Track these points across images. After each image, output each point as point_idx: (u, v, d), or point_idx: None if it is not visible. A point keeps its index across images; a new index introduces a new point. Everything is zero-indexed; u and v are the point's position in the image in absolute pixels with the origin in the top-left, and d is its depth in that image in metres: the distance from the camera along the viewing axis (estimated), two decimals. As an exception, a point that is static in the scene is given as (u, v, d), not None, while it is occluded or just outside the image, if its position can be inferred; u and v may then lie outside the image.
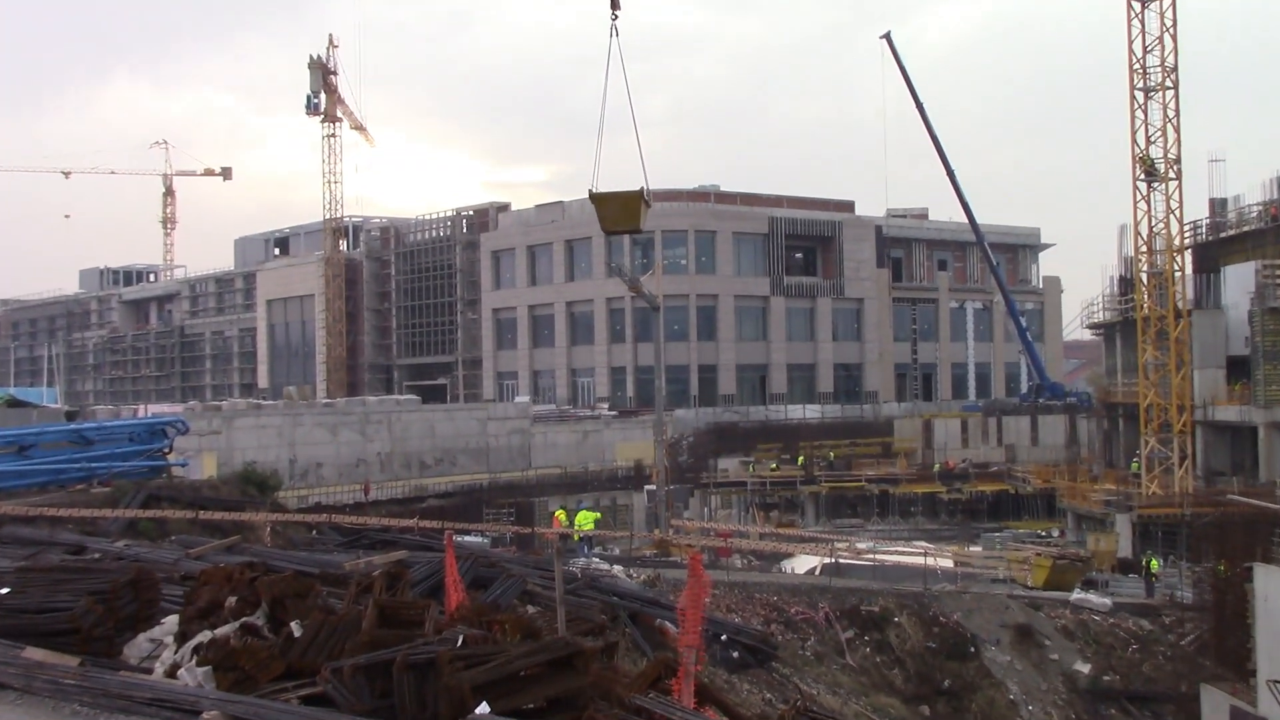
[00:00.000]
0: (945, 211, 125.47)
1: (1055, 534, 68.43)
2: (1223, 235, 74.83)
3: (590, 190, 31.27)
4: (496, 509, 70.84)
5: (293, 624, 13.73)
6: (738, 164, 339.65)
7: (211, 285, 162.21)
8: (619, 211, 31.33)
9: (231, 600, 14.98)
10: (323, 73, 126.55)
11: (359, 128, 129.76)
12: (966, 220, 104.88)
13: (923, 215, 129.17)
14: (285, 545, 34.25)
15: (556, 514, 51.56)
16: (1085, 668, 39.81)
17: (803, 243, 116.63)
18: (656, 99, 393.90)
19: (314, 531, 40.05)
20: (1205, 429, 68.93)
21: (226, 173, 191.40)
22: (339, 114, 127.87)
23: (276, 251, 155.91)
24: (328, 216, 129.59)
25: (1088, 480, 73.58)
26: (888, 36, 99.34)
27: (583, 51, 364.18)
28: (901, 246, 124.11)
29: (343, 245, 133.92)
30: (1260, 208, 71.82)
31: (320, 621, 13.32)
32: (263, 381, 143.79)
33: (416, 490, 72.89)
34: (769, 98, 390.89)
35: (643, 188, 31.45)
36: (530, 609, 23.73)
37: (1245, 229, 72.98)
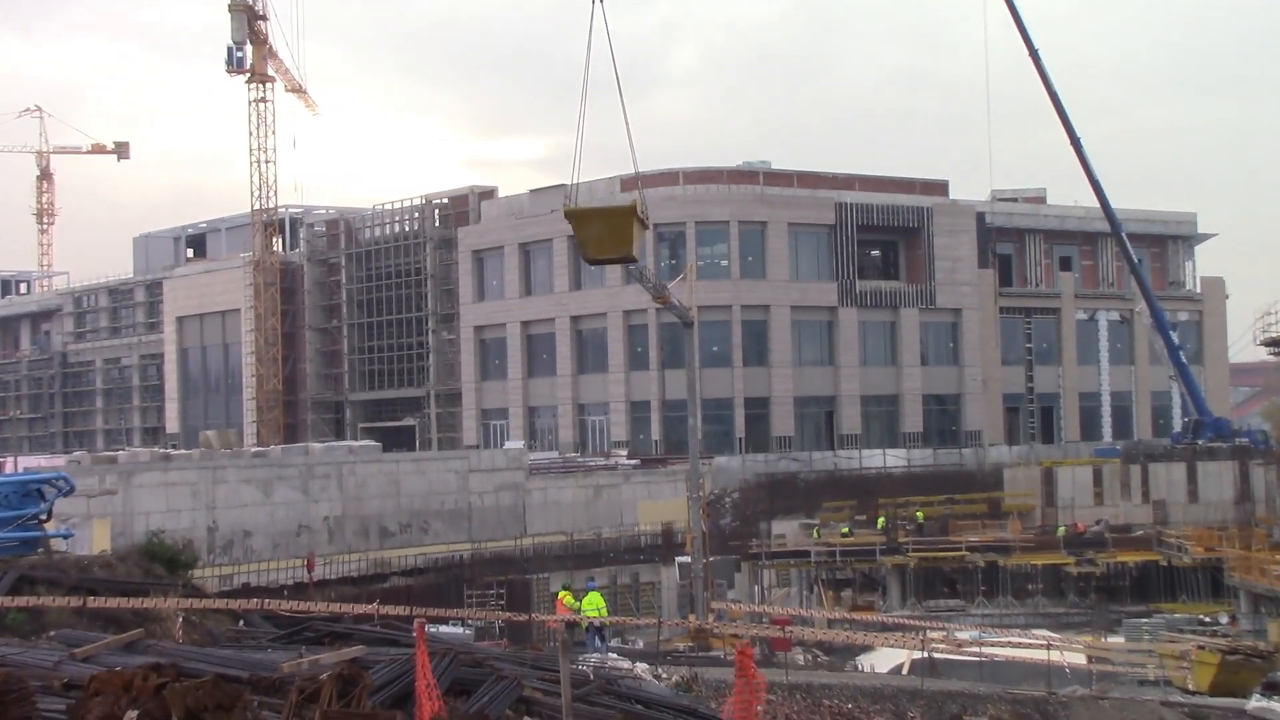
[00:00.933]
0: (1069, 193, 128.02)
1: (1224, 620, 67.13)
2: None
3: (565, 204, 32.38)
4: (482, 589, 71.45)
5: (214, 745, 13.66)
6: (795, 133, 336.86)
7: (103, 298, 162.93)
8: (605, 234, 32.24)
9: (132, 715, 14.88)
10: (248, 17, 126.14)
11: (297, 89, 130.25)
12: (1098, 204, 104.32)
13: (1039, 198, 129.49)
14: (203, 641, 33.64)
15: (560, 595, 50.90)
16: (1270, 800, 39.60)
17: (881, 236, 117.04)
18: (686, 50, 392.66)
19: (241, 622, 39.31)
20: None
21: (122, 149, 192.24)
22: (270, 71, 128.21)
23: (190, 253, 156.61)
24: (257, 207, 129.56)
25: (1266, 548, 72.28)
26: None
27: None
28: (1011, 239, 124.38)
29: (277, 244, 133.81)
30: None
31: (250, 742, 13.24)
32: (172, 424, 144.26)
33: (377, 566, 73.63)
34: (835, 47, 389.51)
35: (635, 202, 32.09)
36: (528, 722, 23.65)
37: None
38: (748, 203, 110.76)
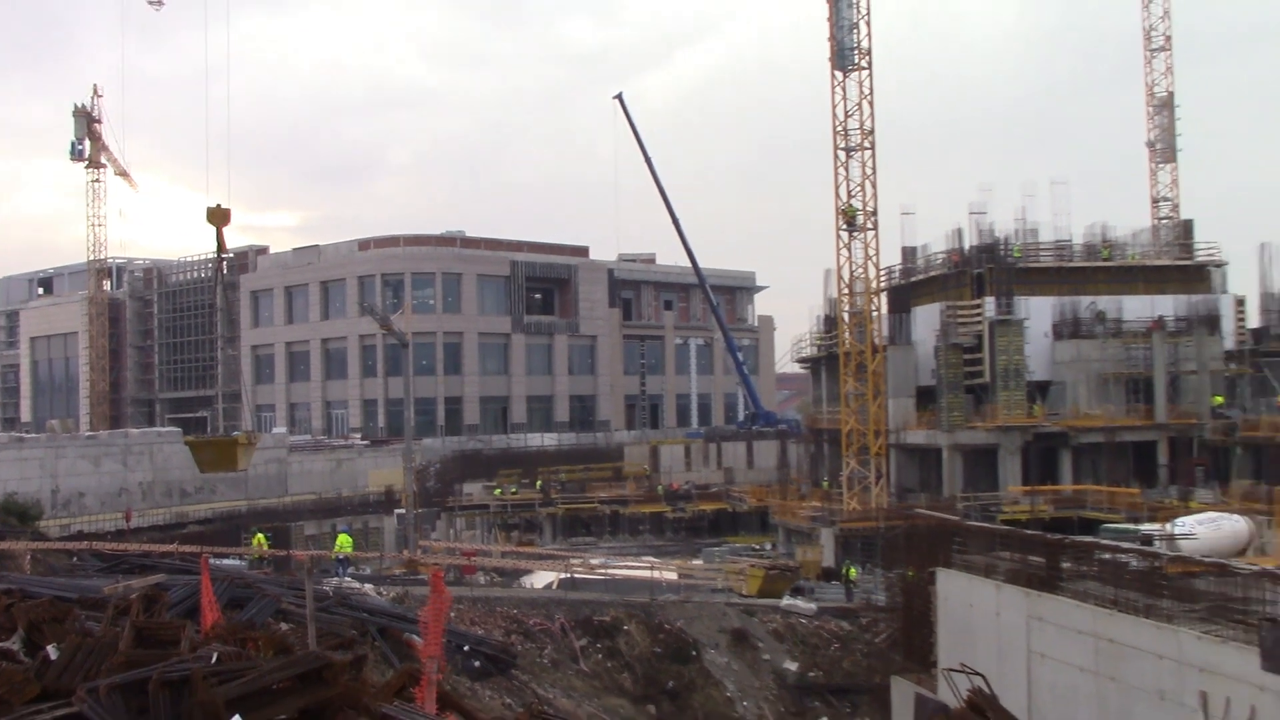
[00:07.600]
0: (671, 256, 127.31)
1: (768, 547, 67.82)
2: (913, 279, 77.68)
3: (185, 437, 32.69)
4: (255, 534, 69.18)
5: (49, 647, 13.28)
6: (482, 210, 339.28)
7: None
8: (216, 455, 32.12)
9: (-13, 626, 14.33)
10: (87, 121, 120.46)
11: (123, 174, 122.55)
12: (690, 264, 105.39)
13: (650, 260, 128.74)
14: (45, 572, 33.43)
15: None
16: (793, 665, 40.97)
17: (542, 284, 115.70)
18: (402, 149, 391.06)
19: (75, 558, 39.34)
20: (898, 451, 70.63)
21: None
22: (103, 160, 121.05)
23: (40, 291, 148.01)
24: (92, 258, 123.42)
25: (796, 498, 73.45)
26: (619, 97, 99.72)
27: (335, 101, 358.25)
28: (631, 288, 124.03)
29: (107, 285, 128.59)
30: (944, 255, 74.62)
31: (77, 644, 12.90)
32: (25, 415, 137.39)
33: (178, 517, 70.57)
34: (508, 149, 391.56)
35: (239, 436, 32.15)
36: (284, 626, 23.34)
37: (932, 274, 75.82)
38: (448, 259, 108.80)
